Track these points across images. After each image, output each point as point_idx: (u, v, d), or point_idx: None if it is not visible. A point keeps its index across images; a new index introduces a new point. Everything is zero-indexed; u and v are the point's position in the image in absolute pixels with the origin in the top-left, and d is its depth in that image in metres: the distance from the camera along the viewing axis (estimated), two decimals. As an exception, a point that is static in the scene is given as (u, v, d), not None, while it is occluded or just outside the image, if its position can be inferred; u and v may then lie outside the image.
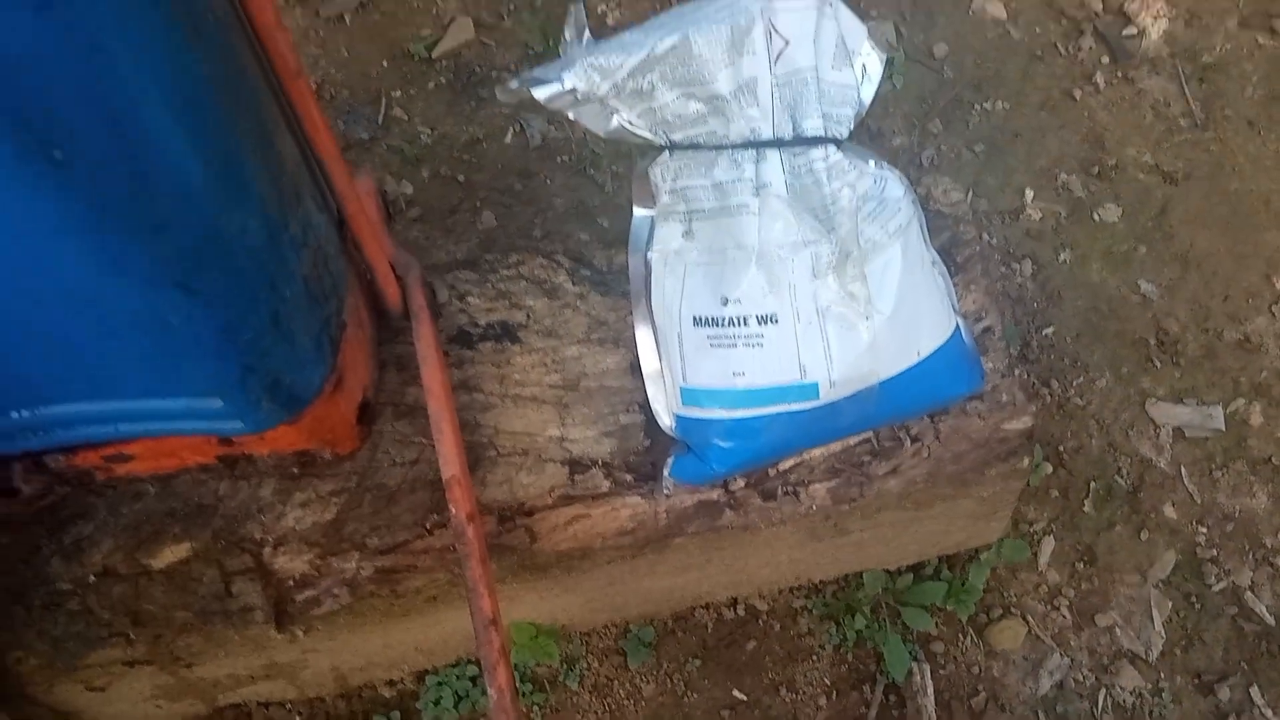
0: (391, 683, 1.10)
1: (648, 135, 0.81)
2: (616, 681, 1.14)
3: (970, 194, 1.42)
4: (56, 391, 0.67)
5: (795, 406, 0.81)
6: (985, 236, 1.37)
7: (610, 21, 1.56)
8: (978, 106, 1.48)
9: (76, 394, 0.68)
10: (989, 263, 0.98)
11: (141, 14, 0.48)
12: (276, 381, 0.71)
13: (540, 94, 0.76)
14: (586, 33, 0.83)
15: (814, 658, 1.15)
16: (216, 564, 0.86)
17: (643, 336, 0.87)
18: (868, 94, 0.84)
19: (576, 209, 1.45)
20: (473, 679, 1.10)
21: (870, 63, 0.84)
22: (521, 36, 1.53)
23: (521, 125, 1.49)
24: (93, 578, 0.85)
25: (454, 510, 0.82)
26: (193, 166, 0.55)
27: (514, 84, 0.78)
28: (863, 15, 1.53)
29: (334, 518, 0.87)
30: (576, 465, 0.89)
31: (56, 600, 0.85)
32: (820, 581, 1.15)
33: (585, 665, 1.13)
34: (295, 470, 0.86)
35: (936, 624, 1.17)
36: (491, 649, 0.79)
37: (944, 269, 0.89)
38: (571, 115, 0.79)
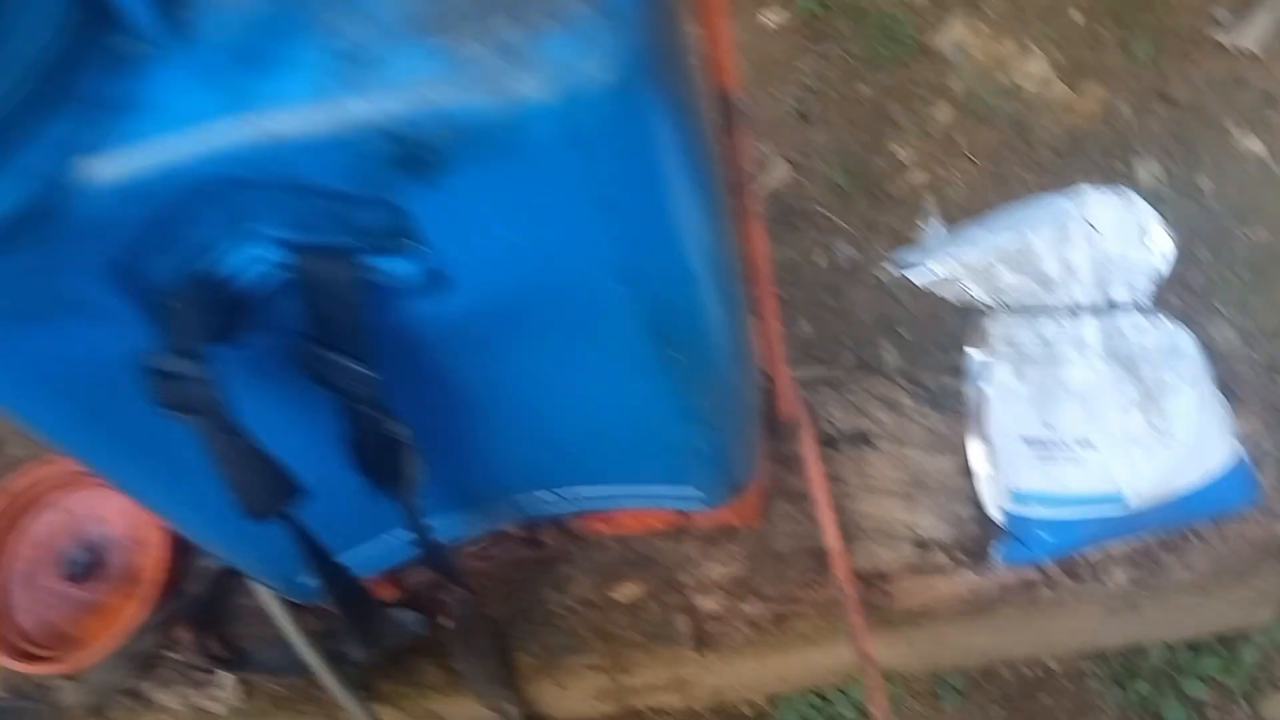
0: (750, 703, 1.41)
1: (989, 302, 1.09)
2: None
3: (1239, 313, 1.60)
4: (599, 478, 1.02)
5: (1105, 512, 1.06)
6: (1253, 355, 1.56)
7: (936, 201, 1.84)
8: (1242, 234, 1.67)
9: (610, 480, 1.02)
10: (1261, 392, 1.20)
11: (721, 281, 0.81)
12: (733, 478, 1.04)
13: (913, 276, 1.06)
14: (941, 226, 1.12)
15: (1100, 715, 1.37)
16: (659, 600, 1.19)
17: (975, 448, 1.14)
18: (1163, 267, 1.09)
19: (879, 321, 1.74)
20: (812, 705, 1.39)
21: (1163, 243, 1.09)
22: (827, 174, 1.85)
23: (830, 249, 1.80)
24: (574, 604, 1.20)
25: (836, 573, 1.12)
26: (733, 352, 0.88)
27: (890, 268, 1.08)
28: (1131, 153, 1.76)
29: (741, 572, 1.18)
30: (923, 545, 1.17)
31: (548, 619, 1.20)
32: (1108, 649, 1.37)
33: (905, 704, 1.40)
34: (716, 536, 1.19)
35: (1211, 693, 1.36)
36: (873, 678, 1.08)
37: (1224, 401, 1.12)
38: (930, 289, 1.09)
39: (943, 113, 1.85)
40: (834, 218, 1.80)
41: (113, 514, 1.37)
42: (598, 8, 0.55)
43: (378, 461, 0.79)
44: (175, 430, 0.71)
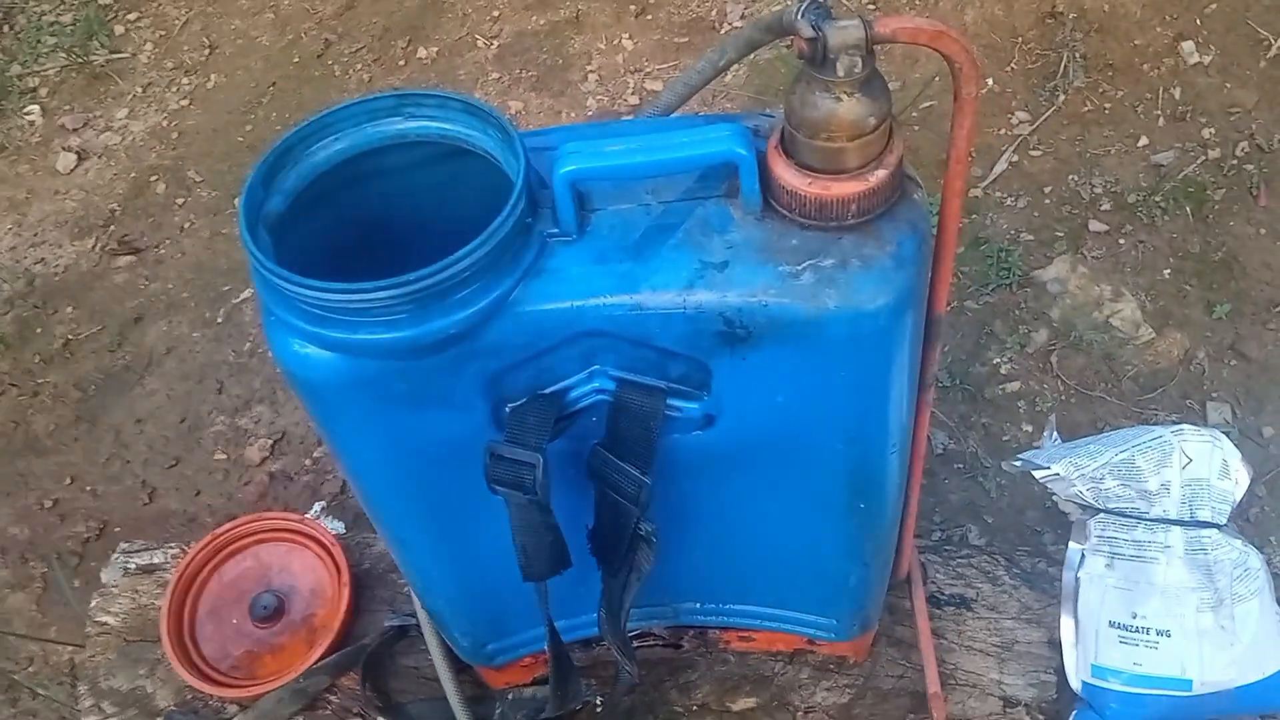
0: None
1: (1092, 503, 1.31)
2: None
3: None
4: (756, 600, 1.23)
5: (1173, 693, 1.25)
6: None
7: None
8: (1300, 479, 1.88)
9: (764, 603, 1.23)
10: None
11: (904, 452, 1.05)
12: (867, 616, 1.24)
13: (1038, 474, 1.29)
14: (1058, 436, 1.35)
15: None
16: (770, 716, 1.37)
17: (1066, 624, 1.33)
18: (1239, 496, 1.31)
19: (968, 507, 1.94)
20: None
21: (1241, 477, 1.31)
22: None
23: (929, 436, 2.03)
24: (695, 708, 1.39)
25: (934, 714, 1.30)
26: (898, 507, 1.10)
27: (1018, 463, 1.31)
28: (1205, 396, 1.99)
29: (846, 701, 1.37)
30: (1008, 702, 1.35)
31: (671, 717, 1.39)
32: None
33: None
34: (829, 666, 1.38)
35: None
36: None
37: (1283, 617, 1.31)
38: (1047, 484, 1.31)
39: (1040, 336, 2.10)
40: (936, 411, 2.03)
41: (299, 568, 1.60)
42: (893, 256, 0.80)
43: (614, 551, 1.01)
44: (476, 503, 0.95)
